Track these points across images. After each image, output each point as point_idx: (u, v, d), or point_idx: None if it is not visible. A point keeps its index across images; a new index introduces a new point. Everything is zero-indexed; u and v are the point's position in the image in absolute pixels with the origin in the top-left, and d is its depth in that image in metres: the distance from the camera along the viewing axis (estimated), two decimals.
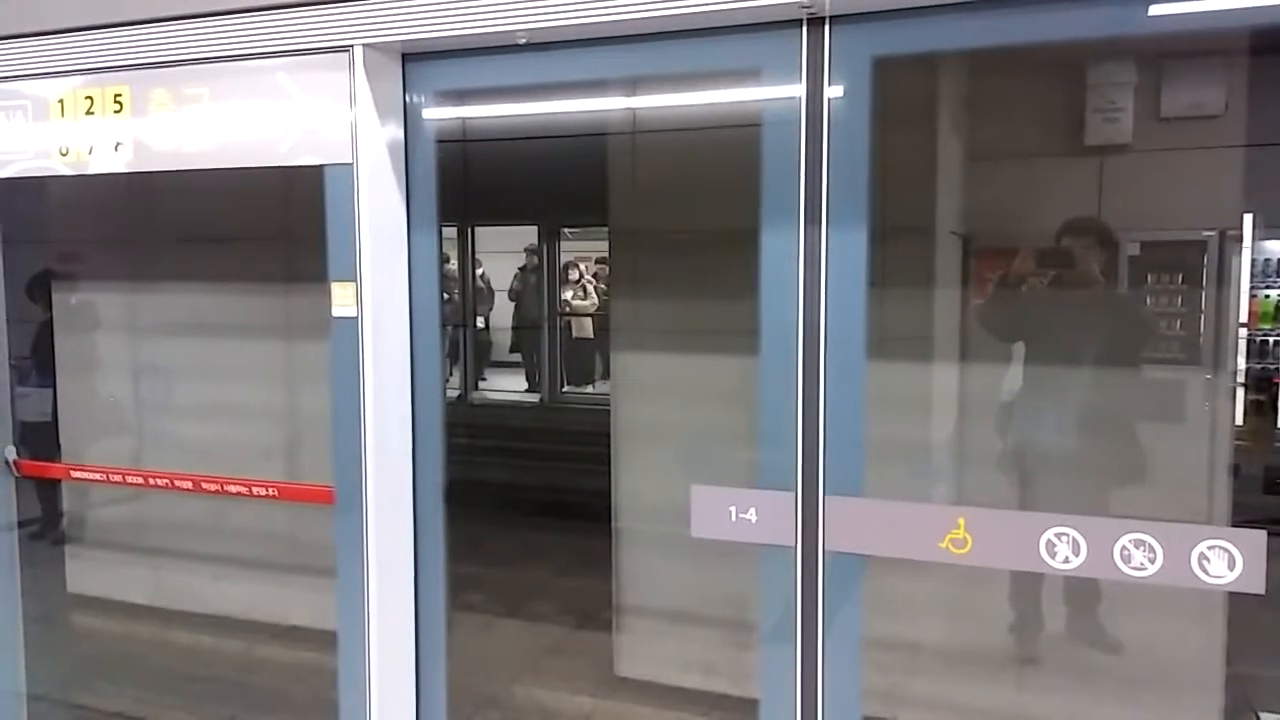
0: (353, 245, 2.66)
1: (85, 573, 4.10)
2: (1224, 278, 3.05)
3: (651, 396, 3.74)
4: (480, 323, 11.53)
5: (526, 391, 10.92)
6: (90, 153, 2.93)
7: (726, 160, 2.64)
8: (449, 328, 9.80)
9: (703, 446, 3.32)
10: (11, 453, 3.39)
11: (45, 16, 2.89)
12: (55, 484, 3.86)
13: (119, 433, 3.98)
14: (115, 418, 3.98)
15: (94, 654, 3.94)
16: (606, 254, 6.82)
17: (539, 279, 10.74)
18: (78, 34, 2.86)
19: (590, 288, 10.97)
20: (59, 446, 3.89)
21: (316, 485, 2.87)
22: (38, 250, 3.91)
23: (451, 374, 9.89)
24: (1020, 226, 3.17)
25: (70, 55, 2.89)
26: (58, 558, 4.07)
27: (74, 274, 4.04)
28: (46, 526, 4.20)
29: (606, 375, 8.00)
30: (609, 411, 3.79)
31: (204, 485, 3.10)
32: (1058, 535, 2.20)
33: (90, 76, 2.90)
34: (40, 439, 3.71)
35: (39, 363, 4.01)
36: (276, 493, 3.03)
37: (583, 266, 11.14)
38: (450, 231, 9.92)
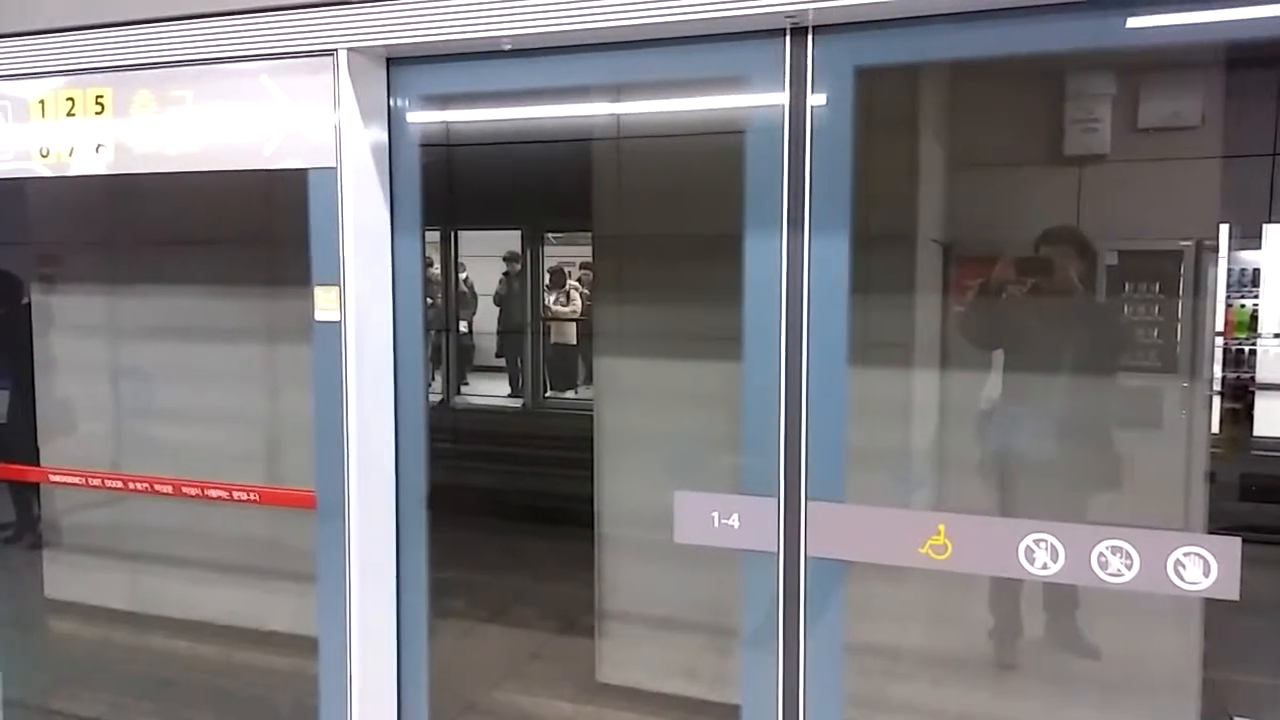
0: (336, 249, 2.65)
1: (64, 578, 4.06)
2: (1200, 287, 3.08)
3: (635, 402, 3.74)
4: (464, 327, 11.50)
5: (509, 397, 10.90)
6: (71, 154, 2.91)
7: (710, 167, 2.65)
8: (432, 332, 9.77)
9: (686, 452, 3.33)
10: None
11: (26, 17, 2.87)
12: (34, 488, 3.82)
13: (91, 436, 3.93)
14: (85, 419, 3.92)
15: (71, 659, 3.90)
16: (590, 259, 6.83)
17: (522, 284, 10.73)
18: (59, 35, 2.84)
19: (575, 294, 10.97)
20: (31, 449, 3.85)
21: (298, 490, 2.86)
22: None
23: (434, 379, 9.86)
24: (1000, 235, 3.19)
25: (51, 56, 2.87)
26: (35, 562, 4.03)
27: (48, 275, 4.00)
28: (23, 530, 4.16)
29: (590, 380, 8.01)
30: (592, 417, 3.79)
31: (184, 490, 3.08)
32: (1036, 541, 2.22)
33: (72, 78, 2.88)
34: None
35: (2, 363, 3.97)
36: (257, 497, 3.01)
37: (567, 271, 11.13)
38: (434, 235, 9.90)
